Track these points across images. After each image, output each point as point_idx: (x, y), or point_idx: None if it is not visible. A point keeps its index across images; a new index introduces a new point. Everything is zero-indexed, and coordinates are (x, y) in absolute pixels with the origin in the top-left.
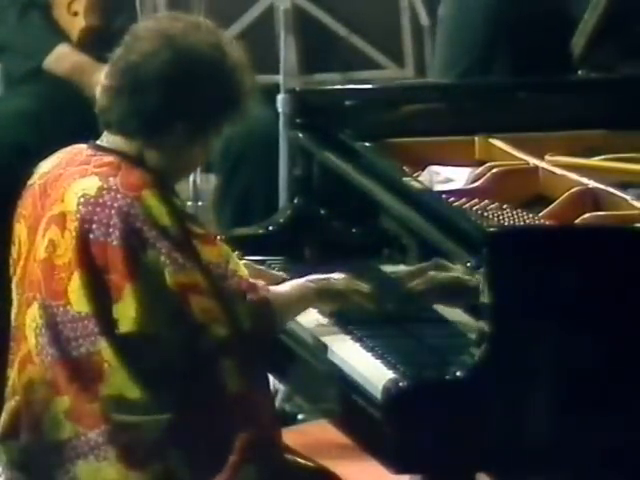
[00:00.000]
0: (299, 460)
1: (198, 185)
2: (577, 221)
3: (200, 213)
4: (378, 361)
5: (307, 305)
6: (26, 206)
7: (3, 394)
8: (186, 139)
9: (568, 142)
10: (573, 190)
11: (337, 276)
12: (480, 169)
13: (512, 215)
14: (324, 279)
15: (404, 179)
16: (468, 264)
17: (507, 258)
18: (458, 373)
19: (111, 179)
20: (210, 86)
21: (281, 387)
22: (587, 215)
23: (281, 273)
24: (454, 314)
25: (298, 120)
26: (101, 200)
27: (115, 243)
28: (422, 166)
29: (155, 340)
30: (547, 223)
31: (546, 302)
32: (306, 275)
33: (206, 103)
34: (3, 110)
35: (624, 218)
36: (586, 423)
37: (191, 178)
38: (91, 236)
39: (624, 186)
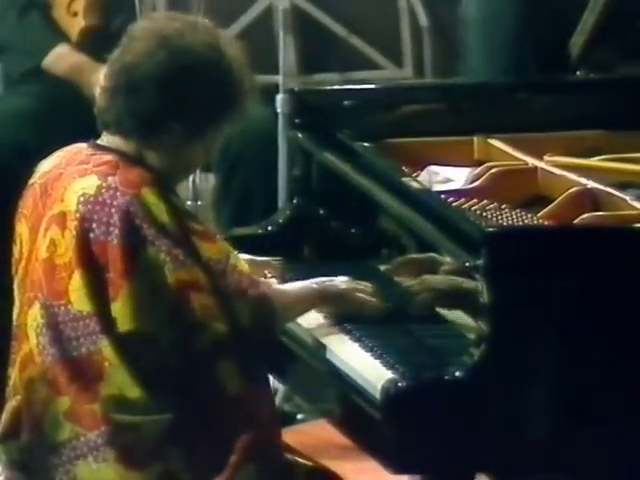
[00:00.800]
0: (299, 460)
1: (197, 185)
2: (576, 221)
3: (199, 213)
4: (377, 361)
5: (309, 306)
6: (27, 206)
7: (4, 393)
8: (184, 139)
9: (567, 142)
10: (572, 190)
11: (341, 279)
12: (479, 169)
13: (511, 215)
14: (327, 281)
15: (403, 179)
16: (467, 264)
17: (506, 258)
18: (457, 373)
19: (110, 178)
20: (206, 86)
21: (280, 387)
22: (586, 215)
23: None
24: (453, 314)
25: (297, 120)
26: (100, 199)
27: (115, 242)
28: (421, 166)
29: (154, 339)
30: (546, 223)
31: (545, 302)
32: (305, 275)
33: (203, 103)
34: (2, 110)
35: (623, 218)
36: (585, 423)
37: (190, 178)
38: (91, 235)
39: (623, 186)
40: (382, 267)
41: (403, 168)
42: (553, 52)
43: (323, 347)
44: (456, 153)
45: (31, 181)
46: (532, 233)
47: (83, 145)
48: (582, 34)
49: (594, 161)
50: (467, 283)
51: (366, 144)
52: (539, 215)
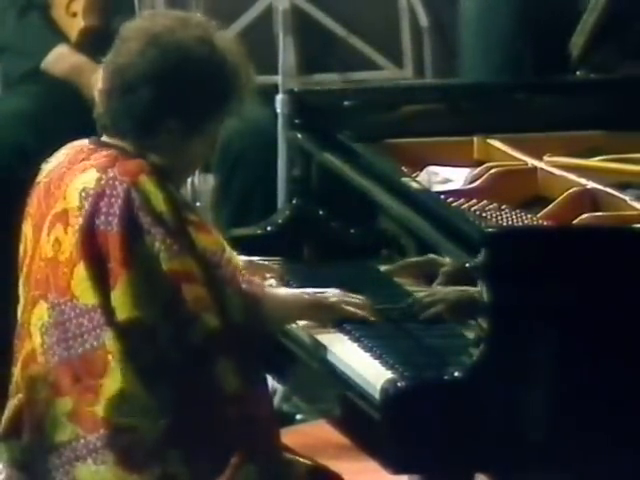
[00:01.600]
0: (299, 459)
1: (196, 186)
2: (575, 222)
3: None
4: (376, 361)
5: (299, 314)
6: (32, 204)
7: (5, 392)
8: (182, 136)
9: (567, 142)
10: (571, 190)
11: (332, 291)
12: (478, 169)
13: (510, 215)
14: (318, 292)
15: (403, 179)
16: (467, 264)
17: (505, 258)
18: (456, 373)
19: (109, 170)
20: (200, 80)
21: (279, 387)
22: (585, 215)
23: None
24: None
25: (297, 121)
26: (101, 190)
27: (115, 230)
28: (421, 166)
29: (152, 330)
30: (545, 223)
31: (544, 302)
32: (305, 276)
33: (197, 98)
34: (2, 111)
35: (623, 219)
36: (585, 423)
37: (189, 179)
38: (95, 227)
39: (623, 187)
40: (382, 267)
41: (403, 168)
42: (553, 52)
43: (322, 347)
44: (456, 153)
45: (37, 179)
46: (532, 233)
47: (85, 142)
48: (582, 34)
49: (594, 161)
50: (478, 294)
51: (366, 144)
52: (539, 215)
